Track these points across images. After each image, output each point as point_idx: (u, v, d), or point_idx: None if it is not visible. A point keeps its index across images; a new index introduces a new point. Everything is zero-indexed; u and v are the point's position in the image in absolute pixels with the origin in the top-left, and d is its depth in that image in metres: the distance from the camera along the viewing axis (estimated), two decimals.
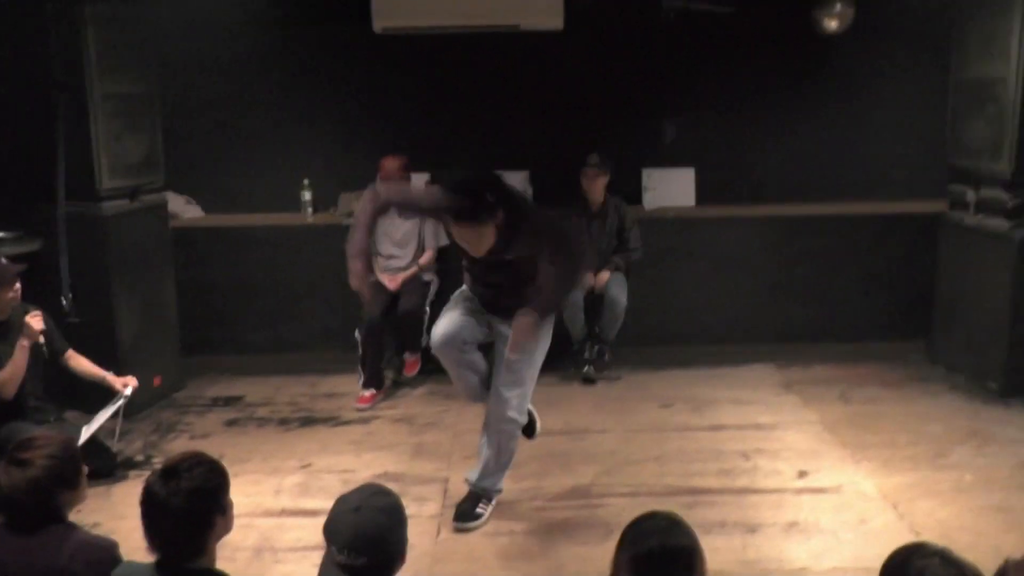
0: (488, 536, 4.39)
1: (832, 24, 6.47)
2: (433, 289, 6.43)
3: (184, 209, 6.72)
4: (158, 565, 2.60)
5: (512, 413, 4.48)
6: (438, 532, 4.43)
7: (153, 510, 2.57)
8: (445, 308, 4.60)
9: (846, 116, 6.86)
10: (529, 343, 4.21)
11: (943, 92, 6.40)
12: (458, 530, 4.44)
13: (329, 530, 2.51)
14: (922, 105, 6.72)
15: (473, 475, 4.60)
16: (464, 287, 4.63)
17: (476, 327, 4.48)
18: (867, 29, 6.56)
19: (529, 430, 4.76)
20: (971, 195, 6.19)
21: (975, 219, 6.19)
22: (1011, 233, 5.90)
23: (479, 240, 4.08)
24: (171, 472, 2.60)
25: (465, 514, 4.50)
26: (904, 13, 6.64)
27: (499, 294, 4.40)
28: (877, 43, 6.70)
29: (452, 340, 4.43)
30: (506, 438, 4.53)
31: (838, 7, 6.41)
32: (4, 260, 4.91)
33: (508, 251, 4.16)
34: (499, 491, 4.63)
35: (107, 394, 5.02)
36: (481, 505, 4.55)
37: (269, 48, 6.68)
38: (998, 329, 6.01)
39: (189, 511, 2.55)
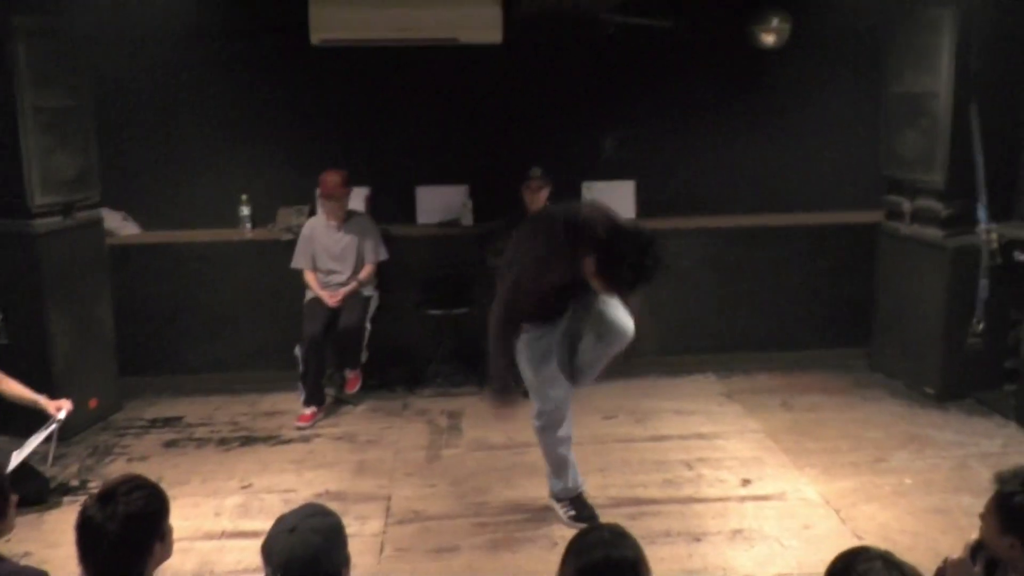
0: (431, 553, 4.35)
1: (769, 39, 6.55)
2: (374, 304, 6.37)
3: (121, 226, 6.58)
4: None
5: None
6: (381, 550, 4.37)
7: (89, 536, 2.49)
8: (538, 374, 4.48)
9: (783, 129, 6.93)
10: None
11: (877, 105, 6.52)
12: None
13: (265, 552, 2.46)
14: (857, 118, 6.83)
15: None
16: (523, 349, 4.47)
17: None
18: (803, 44, 6.65)
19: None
20: (906, 205, 6.31)
21: (911, 229, 6.31)
22: (945, 242, 6.03)
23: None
24: (108, 496, 2.52)
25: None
26: (839, 28, 6.75)
27: (571, 299, 4.35)
28: (813, 58, 6.79)
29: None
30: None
31: (774, 22, 6.49)
32: None
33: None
34: (571, 489, 4.66)
35: (40, 417, 4.89)
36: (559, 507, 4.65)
37: (206, 61, 6.57)
38: (934, 336, 6.12)
39: (126, 537, 2.48)
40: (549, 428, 4.57)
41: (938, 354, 6.11)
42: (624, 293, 4.21)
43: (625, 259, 3.93)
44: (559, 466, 4.64)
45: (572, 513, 4.59)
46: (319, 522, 2.45)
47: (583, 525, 4.26)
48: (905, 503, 4.73)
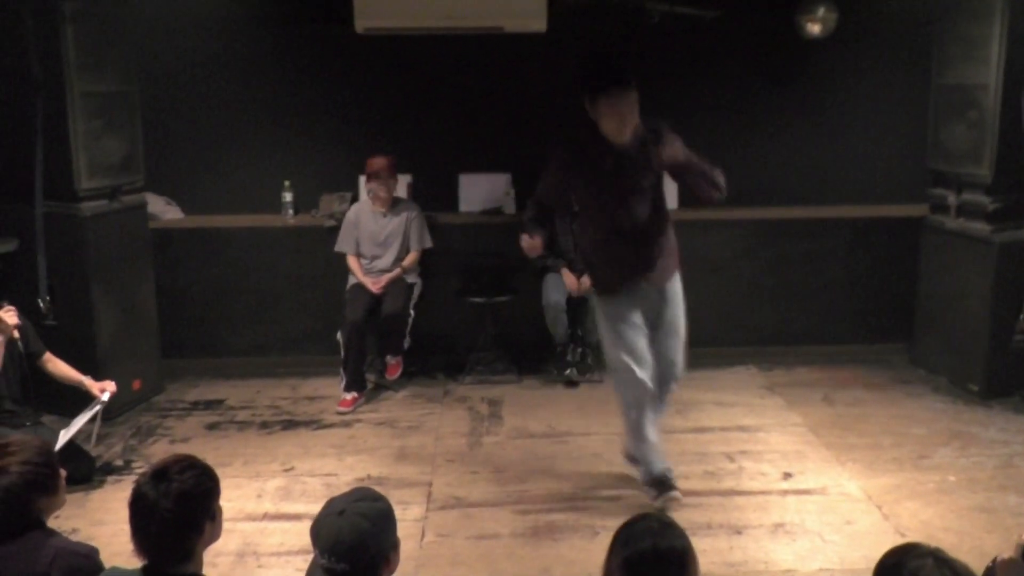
0: (472, 540, 4.36)
1: (815, 29, 6.48)
2: (416, 292, 6.39)
3: (164, 210, 6.65)
4: (145, 570, 2.55)
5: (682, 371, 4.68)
6: (423, 536, 4.39)
7: (142, 513, 2.52)
8: (614, 334, 4.53)
9: (828, 120, 6.87)
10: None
11: (924, 97, 6.43)
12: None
13: (314, 533, 2.47)
14: (904, 109, 6.75)
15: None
16: (604, 316, 4.58)
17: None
18: (849, 34, 6.58)
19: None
20: (952, 199, 6.23)
21: (956, 223, 6.22)
22: (992, 237, 5.94)
23: (630, 114, 4.17)
24: (162, 474, 2.54)
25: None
26: (886, 18, 6.67)
27: (641, 242, 4.39)
28: (859, 48, 6.72)
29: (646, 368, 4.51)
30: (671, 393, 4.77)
31: (821, 12, 6.43)
32: None
33: (645, 159, 4.25)
34: (645, 472, 4.69)
35: (86, 398, 4.96)
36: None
37: (250, 48, 6.62)
38: (979, 332, 6.04)
39: (179, 515, 2.50)
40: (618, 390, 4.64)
41: (983, 351, 6.02)
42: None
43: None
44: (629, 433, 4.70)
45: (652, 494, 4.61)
46: (368, 507, 2.46)
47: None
48: (949, 501, 4.68)
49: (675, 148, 4.24)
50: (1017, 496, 4.60)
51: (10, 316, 4.68)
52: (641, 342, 4.50)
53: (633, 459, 4.76)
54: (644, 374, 4.48)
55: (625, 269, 4.48)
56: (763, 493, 4.78)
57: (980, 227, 6.02)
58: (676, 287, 4.64)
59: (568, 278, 6.26)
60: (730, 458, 5.20)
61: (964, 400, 6.01)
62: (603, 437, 5.50)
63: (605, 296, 4.60)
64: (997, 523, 4.40)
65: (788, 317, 6.94)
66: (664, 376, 4.64)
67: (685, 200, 6.82)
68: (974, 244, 6.06)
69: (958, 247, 6.22)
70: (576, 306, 6.40)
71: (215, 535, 2.67)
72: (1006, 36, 5.68)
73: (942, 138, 6.25)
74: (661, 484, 4.57)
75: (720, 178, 4.33)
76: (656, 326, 4.59)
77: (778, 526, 4.44)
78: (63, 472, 3.06)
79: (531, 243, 4.53)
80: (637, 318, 4.51)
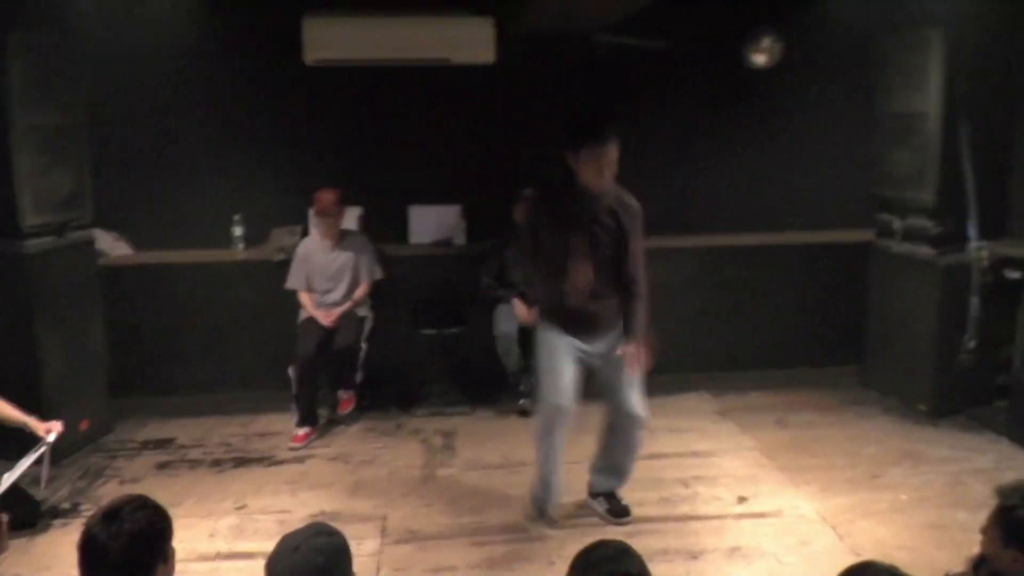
0: (429, 573, 4.32)
1: (761, 59, 6.61)
2: (368, 325, 6.35)
3: (112, 246, 6.56)
4: None
5: (643, 414, 4.68)
6: (378, 570, 4.34)
7: (93, 555, 2.46)
8: (544, 358, 4.61)
9: (775, 148, 6.99)
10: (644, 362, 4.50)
11: (868, 124, 6.55)
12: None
13: (269, 571, 2.43)
14: (848, 137, 6.88)
15: (610, 483, 4.82)
16: (545, 333, 4.62)
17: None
18: (795, 64, 6.72)
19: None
20: (897, 224, 6.34)
21: (902, 247, 6.33)
22: (936, 260, 6.06)
23: (609, 167, 4.32)
24: (113, 515, 2.49)
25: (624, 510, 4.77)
26: (829, 49, 6.81)
27: (590, 298, 4.46)
28: (805, 77, 6.86)
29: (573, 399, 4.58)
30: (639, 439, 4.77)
31: (766, 43, 6.56)
32: None
33: (610, 220, 4.39)
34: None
35: (30, 440, 4.83)
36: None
37: (199, 80, 6.59)
38: (926, 353, 6.15)
39: (131, 557, 2.44)
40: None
41: (930, 371, 6.13)
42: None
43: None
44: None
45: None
46: (323, 542, 2.42)
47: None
48: (902, 519, 4.73)
49: (635, 233, 4.46)
50: (966, 513, 4.65)
51: None
52: (569, 372, 4.55)
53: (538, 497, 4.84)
54: (563, 401, 4.55)
55: (569, 320, 4.54)
56: (718, 517, 4.80)
57: (925, 251, 6.14)
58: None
59: (519, 308, 6.26)
60: (685, 484, 5.21)
61: (914, 420, 6.10)
62: None
63: (548, 326, 4.63)
64: (948, 539, 4.46)
65: (739, 342, 7.00)
66: (628, 424, 4.69)
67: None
68: (919, 267, 6.17)
69: (904, 270, 6.33)
70: (528, 336, 6.38)
71: None
72: (943, 66, 5.82)
73: (886, 165, 6.37)
74: (540, 510, 4.76)
75: (639, 286, 4.58)
76: (607, 379, 4.65)
77: (734, 550, 4.46)
78: (5, 517, 2.97)
79: (526, 313, 4.71)
80: (572, 351, 4.57)
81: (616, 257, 4.50)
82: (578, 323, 4.53)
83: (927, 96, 5.94)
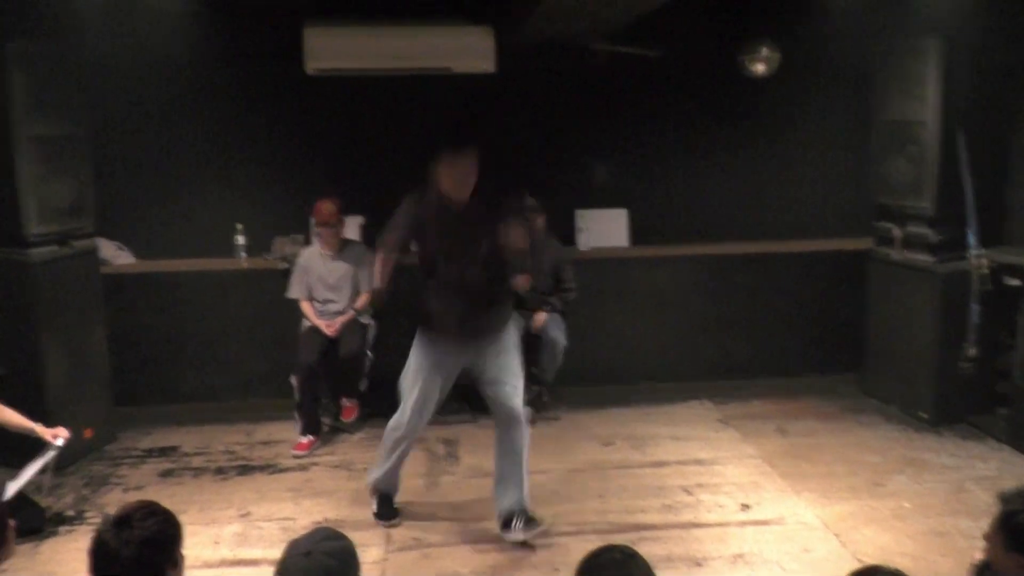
0: None
1: (758, 68, 6.64)
2: (372, 333, 6.36)
3: (115, 255, 6.57)
4: None
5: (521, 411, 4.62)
6: None
7: (103, 560, 2.47)
8: (413, 380, 4.62)
9: (773, 157, 7.02)
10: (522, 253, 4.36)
11: (865, 133, 6.59)
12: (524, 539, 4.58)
13: (279, 575, 2.44)
14: (846, 145, 6.92)
15: (516, 500, 4.64)
16: (417, 354, 4.63)
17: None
18: (792, 73, 6.75)
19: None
20: (897, 232, 6.37)
21: (901, 255, 6.36)
22: (936, 267, 6.09)
23: (467, 177, 4.30)
24: (124, 521, 2.50)
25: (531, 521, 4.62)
26: (827, 57, 6.85)
27: (471, 303, 4.42)
28: (802, 86, 6.89)
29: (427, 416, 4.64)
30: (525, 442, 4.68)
31: (764, 51, 6.58)
32: None
33: (484, 216, 4.32)
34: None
35: (35, 447, 4.84)
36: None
37: (201, 89, 6.61)
38: (927, 361, 6.17)
39: (141, 562, 2.46)
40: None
41: (931, 379, 6.16)
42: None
43: None
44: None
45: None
46: (333, 545, 2.44)
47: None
48: (904, 526, 4.75)
49: (517, 234, 4.34)
50: (969, 520, 4.67)
51: None
52: (434, 396, 4.61)
53: (377, 491, 4.93)
54: (415, 423, 4.69)
55: (446, 326, 4.52)
56: (721, 525, 4.82)
57: (924, 258, 6.17)
58: (505, 340, 4.64)
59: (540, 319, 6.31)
60: (687, 491, 5.23)
61: (915, 427, 6.12)
62: (559, 474, 5.51)
63: (424, 337, 4.63)
64: (951, 546, 4.48)
65: (740, 351, 7.03)
66: (506, 422, 4.66)
67: (636, 238, 6.94)
68: (919, 275, 6.20)
69: (904, 278, 6.35)
70: (531, 344, 6.41)
71: None
72: (942, 74, 5.85)
73: (885, 173, 6.40)
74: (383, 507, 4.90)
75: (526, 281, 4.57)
76: (483, 378, 4.63)
77: (737, 557, 4.47)
78: (12, 523, 2.99)
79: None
80: (443, 372, 4.60)
81: (495, 258, 4.42)
82: (456, 327, 4.49)
83: (926, 104, 5.97)
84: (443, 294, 4.48)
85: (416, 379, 4.60)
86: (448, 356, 4.58)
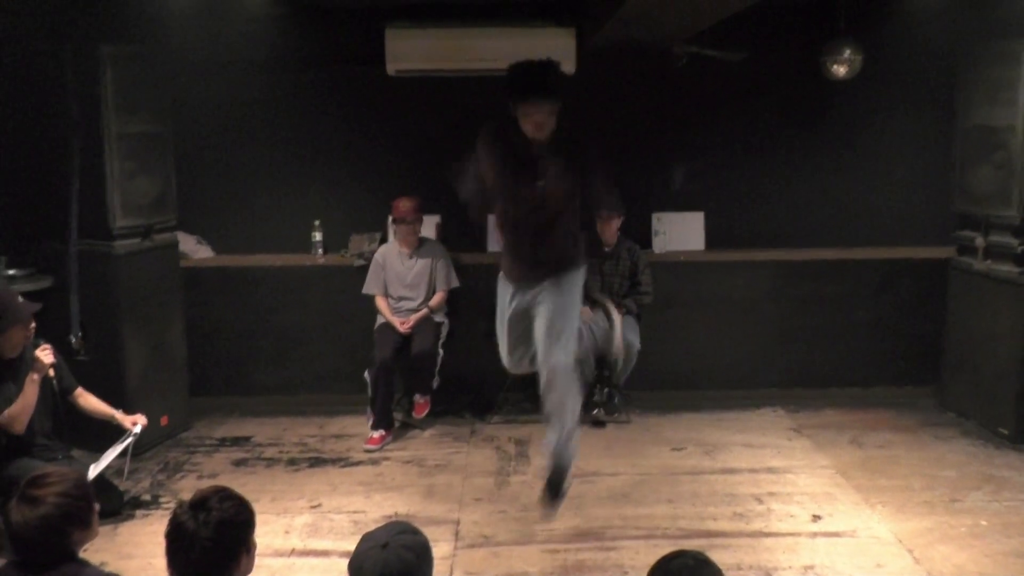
0: None
1: (840, 71, 6.52)
2: (444, 331, 6.41)
3: (195, 249, 6.73)
4: None
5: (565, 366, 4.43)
6: (451, 574, 4.38)
7: (180, 542, 2.54)
8: (500, 324, 4.68)
9: (854, 161, 6.90)
10: None
11: (949, 138, 6.45)
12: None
13: (355, 567, 2.46)
14: (928, 152, 6.78)
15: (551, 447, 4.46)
16: (499, 296, 4.67)
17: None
18: (875, 76, 6.62)
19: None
20: (979, 241, 6.22)
21: (984, 265, 6.21)
22: (1020, 279, 5.92)
23: (547, 120, 4.27)
24: (201, 504, 2.57)
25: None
26: (911, 60, 6.71)
27: (543, 241, 4.43)
28: (884, 89, 6.76)
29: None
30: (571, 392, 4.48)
31: (846, 54, 6.46)
32: (21, 299, 4.90)
33: (558, 162, 4.31)
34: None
35: (114, 434, 4.99)
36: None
37: (283, 90, 6.73)
38: (1009, 375, 6.00)
39: (217, 543, 2.52)
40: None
41: (1013, 393, 5.98)
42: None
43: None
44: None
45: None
46: (410, 539, 2.47)
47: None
48: (982, 545, 4.62)
49: (590, 158, 4.40)
50: None
51: (46, 355, 4.73)
52: (517, 334, 4.59)
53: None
54: (511, 361, 4.68)
55: (520, 261, 4.54)
56: (792, 535, 4.75)
57: (1008, 269, 6.01)
58: (572, 279, 4.55)
59: (585, 313, 6.27)
60: (759, 500, 5.17)
61: (995, 444, 5.96)
62: (630, 477, 5.49)
63: (503, 279, 4.67)
64: None
65: (815, 359, 6.92)
66: (542, 356, 4.47)
67: (712, 242, 6.88)
68: (1002, 286, 6.04)
69: (986, 289, 6.20)
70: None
71: (250, 567, 2.68)
72: None
73: (968, 180, 6.26)
74: None
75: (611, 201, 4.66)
76: (540, 311, 4.50)
77: (808, 568, 4.41)
78: (97, 505, 3.07)
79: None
80: (519, 307, 4.55)
81: (571, 196, 4.43)
82: (529, 262, 4.50)
83: (1014, 109, 5.81)
84: (517, 228, 4.52)
85: (501, 321, 4.66)
86: (520, 290, 4.55)
